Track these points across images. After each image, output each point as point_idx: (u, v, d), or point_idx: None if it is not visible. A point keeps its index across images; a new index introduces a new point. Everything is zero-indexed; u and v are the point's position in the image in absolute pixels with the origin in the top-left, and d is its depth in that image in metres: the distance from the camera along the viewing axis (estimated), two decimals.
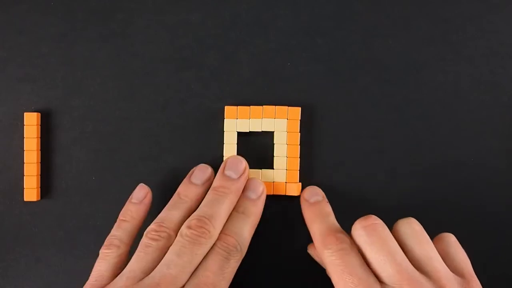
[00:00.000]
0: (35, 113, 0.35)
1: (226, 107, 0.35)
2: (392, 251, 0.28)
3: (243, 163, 0.33)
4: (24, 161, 0.35)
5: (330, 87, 0.36)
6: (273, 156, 0.35)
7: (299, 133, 0.35)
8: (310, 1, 0.37)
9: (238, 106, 0.35)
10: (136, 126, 0.36)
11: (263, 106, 0.35)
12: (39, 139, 0.36)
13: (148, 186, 0.35)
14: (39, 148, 0.36)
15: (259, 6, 0.37)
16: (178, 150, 0.36)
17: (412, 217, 0.32)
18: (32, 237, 0.36)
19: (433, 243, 0.31)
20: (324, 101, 0.36)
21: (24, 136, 0.35)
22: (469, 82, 0.37)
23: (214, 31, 0.36)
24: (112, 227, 0.34)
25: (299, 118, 0.35)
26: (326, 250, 0.29)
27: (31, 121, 0.35)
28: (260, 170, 0.35)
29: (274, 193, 0.35)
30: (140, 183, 0.35)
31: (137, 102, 0.36)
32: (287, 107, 0.35)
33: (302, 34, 0.37)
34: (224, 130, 0.35)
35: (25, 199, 0.35)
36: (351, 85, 0.37)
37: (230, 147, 0.35)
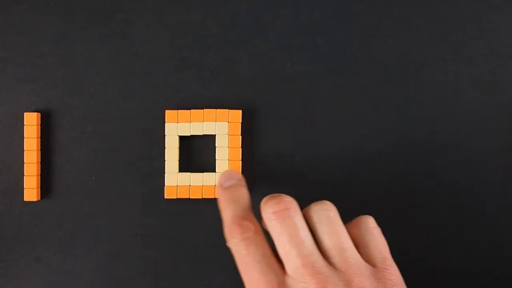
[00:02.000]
0: (35, 113, 0.35)
1: (166, 111, 0.35)
2: (300, 242, 0.27)
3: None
4: (24, 161, 0.35)
5: (330, 87, 0.36)
6: (215, 159, 0.35)
7: (240, 136, 0.35)
8: (310, 1, 0.37)
9: (179, 110, 0.35)
10: (136, 126, 0.36)
11: (204, 109, 0.35)
12: (39, 139, 0.36)
13: (148, 186, 0.35)
14: (39, 148, 0.36)
15: (259, 6, 0.37)
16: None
17: (412, 216, 0.31)
18: (32, 237, 0.36)
19: (349, 228, 0.29)
20: (324, 101, 0.36)
21: (24, 136, 0.35)
22: (469, 82, 0.37)
23: (214, 31, 0.36)
24: (112, 227, 0.34)
25: (240, 121, 0.35)
26: (231, 240, 0.28)
27: (31, 121, 0.35)
28: (202, 173, 0.35)
29: (216, 196, 0.35)
30: (140, 183, 0.35)
31: (137, 102, 0.36)
32: (228, 110, 0.35)
33: (302, 34, 0.37)
34: (166, 134, 0.35)
35: (25, 199, 0.35)
36: (351, 85, 0.37)
37: (171, 151, 0.35)
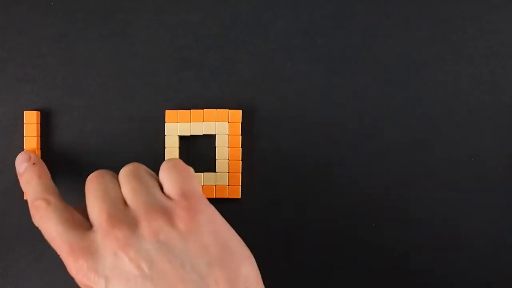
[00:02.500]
0: (35, 112, 0.35)
1: (166, 111, 0.35)
2: (99, 194, 0.28)
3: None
4: None
5: (330, 87, 0.36)
6: (215, 159, 0.35)
7: (240, 136, 0.35)
8: (310, 1, 0.37)
9: (179, 110, 0.35)
10: (136, 126, 0.36)
11: (204, 109, 0.35)
12: (39, 137, 0.36)
13: None
14: (39, 147, 0.36)
15: (259, 6, 0.37)
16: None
17: (411, 217, 0.31)
18: (32, 237, 0.36)
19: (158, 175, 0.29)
20: (324, 100, 0.36)
21: (24, 135, 0.35)
22: (469, 82, 0.37)
23: (214, 31, 0.36)
24: None
25: (240, 121, 0.35)
26: (33, 221, 0.29)
27: (31, 120, 0.35)
28: (202, 173, 0.35)
29: (216, 196, 0.35)
30: None
31: (137, 102, 0.36)
32: (228, 110, 0.35)
33: (302, 34, 0.37)
34: (166, 134, 0.35)
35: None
36: (351, 85, 0.36)
37: (171, 150, 0.35)
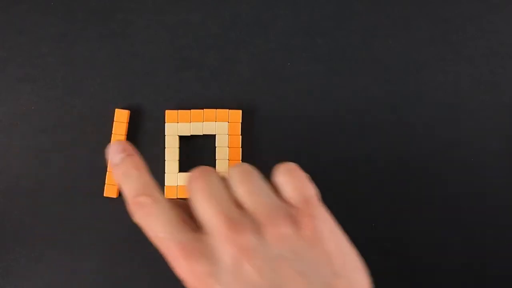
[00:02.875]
0: (126, 111, 0.35)
1: (166, 111, 0.35)
2: (210, 195, 0.25)
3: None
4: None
5: (330, 87, 0.36)
6: (215, 159, 0.35)
7: (240, 136, 0.35)
8: (310, 1, 0.37)
9: (179, 110, 0.35)
10: (136, 126, 0.36)
11: (204, 109, 0.35)
12: (126, 137, 0.36)
13: None
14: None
15: (259, 6, 0.37)
16: (199, 149, 0.36)
17: (411, 217, 0.31)
18: (32, 237, 0.36)
19: (272, 178, 0.27)
20: (324, 100, 0.36)
21: (113, 133, 0.35)
22: (469, 82, 0.37)
23: (214, 31, 0.36)
24: (112, 227, 0.34)
25: (240, 121, 0.35)
26: (134, 217, 0.26)
27: (122, 118, 0.35)
28: None
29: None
30: None
31: (137, 102, 0.36)
32: (228, 110, 0.35)
33: (302, 34, 0.37)
34: (166, 134, 0.35)
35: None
36: (351, 85, 0.37)
37: (172, 150, 0.35)
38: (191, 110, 0.35)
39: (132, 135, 0.36)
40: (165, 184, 0.35)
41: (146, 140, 0.36)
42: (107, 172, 0.35)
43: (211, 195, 0.26)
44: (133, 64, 0.36)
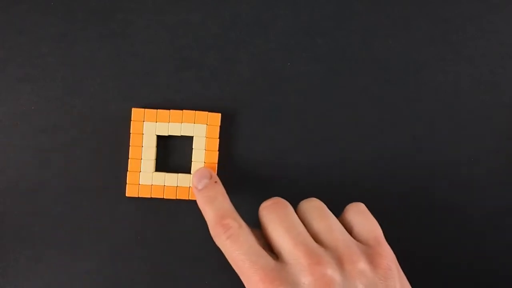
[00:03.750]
0: (142, 109, 0.35)
1: (145, 110, 0.35)
2: (289, 226, 0.27)
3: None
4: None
5: (330, 87, 0.36)
6: (191, 161, 0.35)
7: (218, 139, 0.35)
8: (310, 1, 0.37)
9: (158, 110, 0.35)
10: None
11: (183, 110, 0.35)
12: (142, 135, 0.35)
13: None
14: (142, 145, 0.36)
15: (259, 6, 0.37)
16: (177, 150, 0.36)
17: (411, 217, 0.32)
18: (32, 237, 0.36)
19: (341, 216, 0.30)
20: (324, 100, 0.36)
21: (131, 132, 0.35)
22: (469, 82, 0.37)
23: (214, 31, 0.36)
24: (112, 227, 0.34)
25: (219, 124, 0.35)
26: (217, 240, 0.28)
27: (138, 117, 0.35)
28: (177, 174, 0.35)
29: (191, 198, 0.35)
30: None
31: (137, 102, 0.36)
32: (207, 112, 0.35)
33: (302, 34, 0.37)
34: (143, 133, 0.35)
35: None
36: (351, 85, 0.37)
37: (148, 150, 0.35)
38: (170, 110, 0.35)
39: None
40: (140, 183, 0.35)
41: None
42: (128, 172, 0.35)
43: (290, 227, 0.27)
44: (133, 64, 0.36)
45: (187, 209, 0.36)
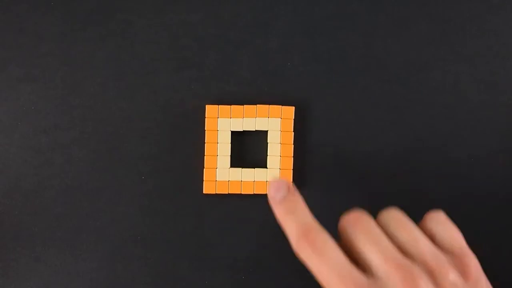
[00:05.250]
0: (216, 106, 0.35)
1: (219, 106, 0.35)
2: (375, 241, 0.27)
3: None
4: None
5: (330, 87, 0.36)
6: (267, 155, 0.35)
7: (293, 132, 0.35)
8: (310, 1, 0.37)
9: (232, 106, 0.35)
10: (136, 126, 0.36)
11: (257, 105, 0.35)
12: (217, 132, 0.36)
13: (148, 186, 0.35)
14: (217, 141, 0.36)
15: (259, 6, 0.37)
16: (178, 150, 0.36)
17: (412, 217, 0.31)
18: (32, 237, 0.36)
19: (421, 225, 0.30)
20: (324, 101, 0.36)
21: (206, 129, 0.35)
22: (469, 82, 0.37)
23: (214, 31, 0.36)
24: (112, 227, 0.34)
25: (293, 117, 0.35)
26: (301, 254, 0.28)
27: (212, 114, 0.35)
28: (254, 169, 0.35)
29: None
30: (140, 182, 0.35)
31: (137, 102, 0.36)
32: (280, 106, 0.35)
33: (302, 34, 0.37)
34: (218, 129, 0.35)
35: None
36: (351, 85, 0.37)
37: (223, 146, 0.35)
38: (244, 105, 0.35)
39: (133, 135, 0.36)
40: (217, 179, 0.35)
41: (146, 140, 0.36)
42: (205, 169, 0.35)
43: (377, 240, 0.27)
44: (133, 64, 0.36)
45: (188, 208, 0.36)
